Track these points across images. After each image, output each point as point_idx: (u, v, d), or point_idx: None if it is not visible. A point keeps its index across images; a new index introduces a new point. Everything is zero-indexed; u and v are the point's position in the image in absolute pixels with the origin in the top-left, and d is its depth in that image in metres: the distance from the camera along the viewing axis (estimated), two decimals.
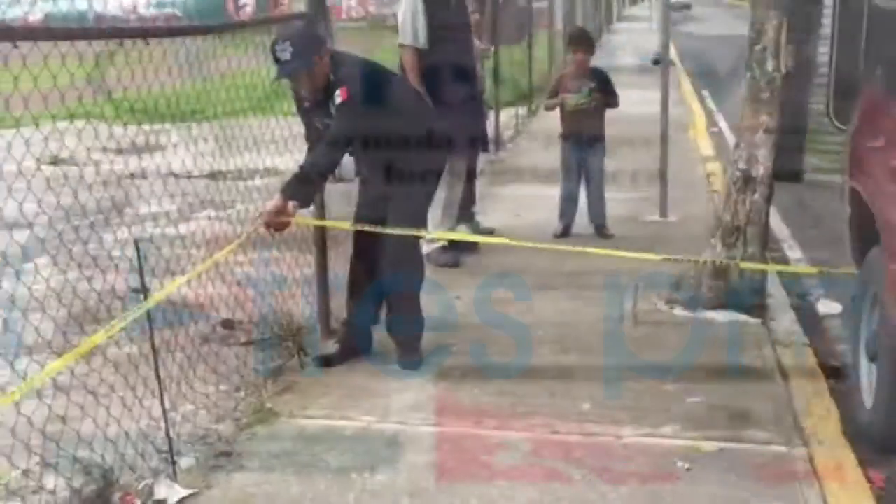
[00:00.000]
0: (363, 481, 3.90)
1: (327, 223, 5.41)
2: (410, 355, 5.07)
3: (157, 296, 3.86)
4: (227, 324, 5.56)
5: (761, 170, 5.65)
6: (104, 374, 3.94)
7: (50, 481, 3.17)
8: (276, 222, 4.60)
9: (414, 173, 4.94)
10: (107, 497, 3.37)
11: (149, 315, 3.81)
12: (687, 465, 3.97)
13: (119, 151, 8.28)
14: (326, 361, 5.10)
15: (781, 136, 5.69)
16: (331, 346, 5.22)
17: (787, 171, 5.81)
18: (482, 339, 5.46)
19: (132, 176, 6.00)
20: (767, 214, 5.78)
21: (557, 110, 7.84)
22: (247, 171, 8.61)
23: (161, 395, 3.89)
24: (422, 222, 5.09)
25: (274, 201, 4.60)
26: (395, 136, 4.89)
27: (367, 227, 4.91)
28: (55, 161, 7.86)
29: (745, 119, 5.73)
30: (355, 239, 5.13)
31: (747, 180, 5.68)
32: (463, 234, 7.02)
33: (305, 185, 4.68)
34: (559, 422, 4.40)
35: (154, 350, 3.85)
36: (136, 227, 6.48)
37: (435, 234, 6.36)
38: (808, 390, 4.70)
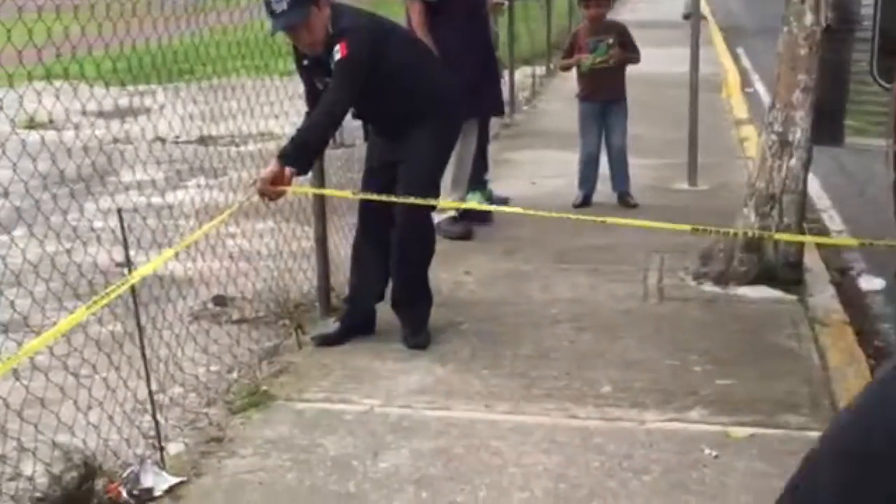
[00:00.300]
0: (365, 469, 3.92)
1: (327, 192, 5.42)
2: (417, 335, 5.09)
3: (142, 269, 3.88)
4: (219, 300, 5.58)
5: (798, 133, 5.64)
6: (86, 353, 3.96)
7: (28, 467, 3.21)
8: (272, 191, 4.62)
9: (425, 138, 4.92)
10: (89, 485, 3.40)
11: (133, 290, 3.83)
12: (715, 453, 3.98)
13: (101, 114, 8.31)
14: (326, 341, 5.12)
15: (820, 96, 5.66)
16: (331, 325, 5.24)
17: (826, 135, 5.78)
18: (493, 317, 5.48)
19: (115, 141, 6.01)
20: (805, 181, 5.77)
21: (574, 70, 7.84)
22: (240, 135, 8.63)
23: (147, 377, 3.92)
24: (434, 191, 5.09)
25: (269, 168, 4.61)
26: (402, 97, 4.89)
27: (373, 197, 4.90)
28: (31, 125, 7.89)
29: (781, 78, 5.70)
30: (362, 209, 5.14)
31: (783, 144, 5.67)
32: (474, 204, 7.02)
33: (303, 151, 4.69)
34: (577, 405, 4.42)
35: (140, 328, 3.87)
36: (119, 196, 6.50)
37: (445, 203, 6.37)
38: (847, 372, 4.71)
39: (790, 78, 5.63)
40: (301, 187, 5.06)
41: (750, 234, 5.40)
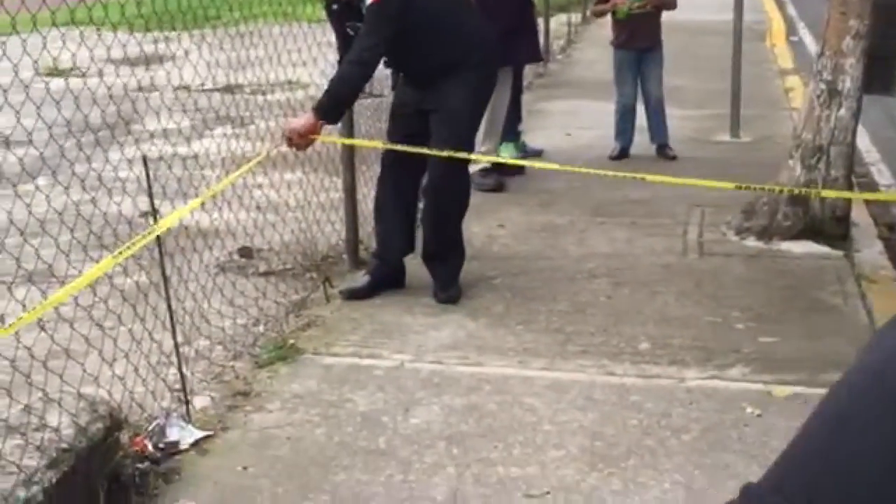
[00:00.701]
0: (395, 424, 3.93)
1: (358, 142, 5.40)
2: (448, 289, 5.08)
3: (169, 217, 3.89)
4: (245, 252, 5.59)
5: (848, 82, 5.55)
6: (111, 304, 3.98)
7: (53, 418, 3.23)
8: (302, 141, 4.61)
9: (461, 89, 4.87)
10: (115, 437, 3.43)
11: (159, 240, 3.84)
12: (757, 412, 3.96)
13: (125, 61, 8.30)
14: (354, 295, 5.12)
15: (873, 42, 5.57)
16: (359, 278, 5.24)
17: (877, 83, 5.70)
18: (527, 271, 5.47)
19: (140, 88, 6.00)
20: (854, 133, 5.69)
21: (609, 17, 7.76)
22: (266, 83, 8.60)
23: (173, 329, 3.94)
24: (469, 145, 5.04)
25: (304, 120, 4.59)
26: (436, 46, 4.84)
27: (409, 149, 4.86)
28: (55, 71, 7.89)
29: (831, 24, 5.61)
30: (386, 159, 5.11)
31: (832, 94, 5.59)
32: (507, 158, 6.98)
33: (337, 103, 4.69)
34: (614, 362, 4.41)
35: (165, 279, 3.88)
36: (144, 145, 6.51)
37: (477, 156, 6.33)
38: None
39: (841, 24, 5.54)
40: (331, 136, 5.05)
41: (797, 191, 5.33)
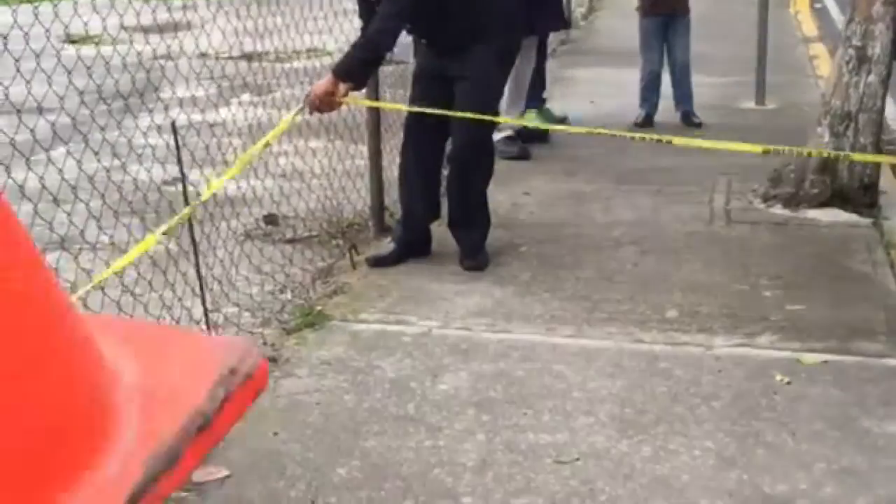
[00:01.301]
0: (424, 390, 3.95)
1: (383, 105, 5.40)
2: (474, 256, 5.09)
3: (213, 185, 3.90)
4: (271, 219, 5.61)
5: (878, 47, 5.52)
6: (141, 270, 4.01)
7: None
8: (325, 103, 4.62)
9: (485, 56, 4.86)
10: None
11: (188, 206, 3.86)
12: (787, 379, 3.96)
13: (141, 29, 8.29)
14: (380, 261, 5.14)
15: None
16: (385, 245, 5.25)
17: None
18: (554, 239, 5.47)
19: (158, 57, 6.00)
20: (884, 99, 5.67)
21: None
22: (286, 51, 8.59)
23: (202, 295, 3.96)
24: (493, 111, 5.04)
25: (324, 81, 4.60)
26: (461, 11, 4.83)
27: (435, 111, 4.85)
28: (72, 39, 7.90)
29: None
30: (410, 123, 5.11)
31: (861, 60, 5.56)
32: (532, 121, 6.97)
33: (359, 66, 4.68)
34: (641, 330, 4.42)
35: (195, 245, 3.90)
36: (162, 114, 6.52)
37: (503, 119, 6.31)
38: None
39: None
40: (356, 99, 5.04)
41: (826, 154, 5.31)
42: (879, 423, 3.65)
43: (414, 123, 5.06)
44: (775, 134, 7.10)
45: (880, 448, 3.50)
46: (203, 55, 8.31)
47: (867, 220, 5.51)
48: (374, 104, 5.33)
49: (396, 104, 5.40)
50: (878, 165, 5.74)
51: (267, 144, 4.41)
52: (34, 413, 1.55)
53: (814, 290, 4.75)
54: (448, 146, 5.14)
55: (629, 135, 5.61)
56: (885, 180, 6.06)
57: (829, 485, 3.30)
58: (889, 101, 6.06)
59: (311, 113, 4.77)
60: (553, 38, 8.92)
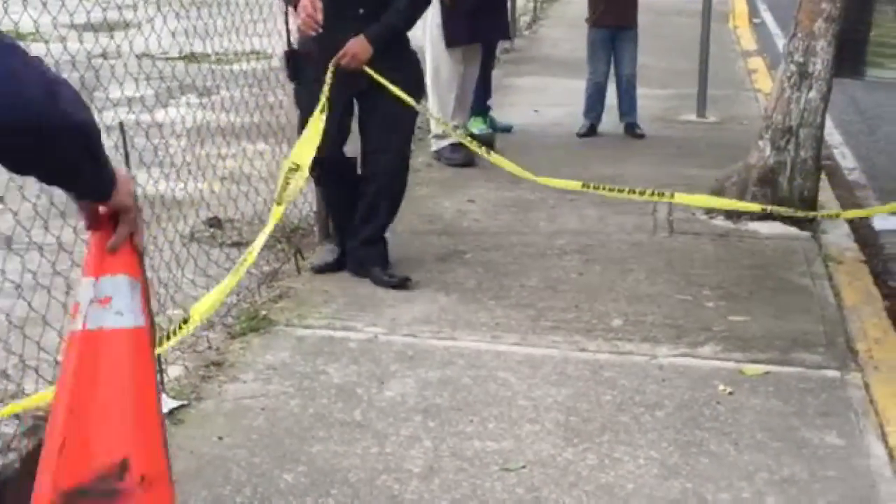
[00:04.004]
0: (370, 397, 3.94)
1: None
2: (391, 269, 5.01)
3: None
4: (214, 222, 5.56)
5: (819, 64, 5.61)
6: None
7: (30, 384, 3.21)
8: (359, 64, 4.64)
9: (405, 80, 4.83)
10: None
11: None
12: (729, 389, 4.01)
13: (87, 27, 8.19)
14: (323, 268, 5.10)
15: (843, 26, 5.62)
16: (331, 251, 5.22)
17: (847, 66, 5.76)
18: (498, 246, 5.49)
19: (103, 55, 5.93)
20: (824, 115, 5.76)
21: None
22: (229, 53, 8.53)
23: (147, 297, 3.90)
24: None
25: (363, 44, 4.66)
26: None
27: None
28: (16, 35, 7.77)
29: (803, 5, 5.66)
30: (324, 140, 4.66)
31: (803, 75, 5.64)
32: (477, 128, 7.01)
33: (391, 35, 4.76)
34: (586, 339, 4.44)
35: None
36: (108, 113, 6.43)
37: (446, 126, 6.30)
38: (863, 311, 4.74)
39: (813, 5, 5.58)
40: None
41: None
42: (819, 433, 3.71)
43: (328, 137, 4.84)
44: (717, 147, 7.23)
45: (820, 458, 3.55)
46: (143, 56, 8.21)
47: (806, 234, 5.60)
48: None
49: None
50: (817, 180, 5.83)
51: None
52: None
53: (755, 301, 4.81)
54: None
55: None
56: (823, 195, 6.16)
57: (771, 494, 3.34)
58: (827, 116, 6.15)
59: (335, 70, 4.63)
60: (498, 47, 8.95)
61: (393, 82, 4.71)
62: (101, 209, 2.09)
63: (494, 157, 5.08)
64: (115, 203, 2.04)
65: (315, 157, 4.49)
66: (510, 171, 5.11)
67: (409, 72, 4.88)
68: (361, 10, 4.69)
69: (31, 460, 3.06)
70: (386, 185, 4.94)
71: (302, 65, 4.77)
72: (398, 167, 4.97)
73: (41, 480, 2.08)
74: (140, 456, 2.07)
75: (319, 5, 4.52)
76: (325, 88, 4.57)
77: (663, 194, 4.98)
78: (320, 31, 4.54)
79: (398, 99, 4.73)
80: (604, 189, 4.96)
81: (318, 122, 4.51)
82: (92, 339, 2.07)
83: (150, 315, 2.22)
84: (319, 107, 4.54)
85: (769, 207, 5.18)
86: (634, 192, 5.01)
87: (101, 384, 2.06)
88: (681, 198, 5.15)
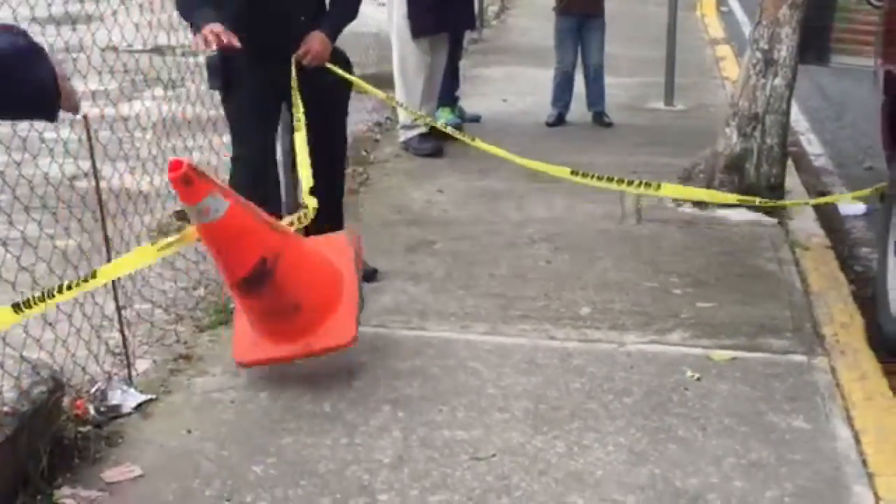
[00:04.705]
0: (340, 388, 3.94)
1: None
2: None
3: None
4: (181, 215, 5.53)
5: (784, 51, 5.65)
6: (53, 266, 3.93)
7: None
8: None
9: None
10: (57, 401, 3.40)
11: (101, 203, 3.80)
12: (697, 375, 4.04)
13: (51, 20, 8.12)
14: None
15: (807, 12, 5.66)
16: None
17: (811, 53, 5.80)
18: (468, 236, 5.50)
19: (66, 49, 5.89)
20: (789, 102, 5.80)
21: None
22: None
23: (115, 291, 3.90)
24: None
25: (324, 41, 4.51)
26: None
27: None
28: None
29: None
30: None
31: (768, 62, 5.68)
32: (445, 118, 7.00)
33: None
34: (555, 327, 4.47)
35: (107, 241, 3.84)
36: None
37: (417, 115, 6.31)
38: (829, 296, 4.79)
39: None
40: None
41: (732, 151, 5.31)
42: (786, 417, 3.75)
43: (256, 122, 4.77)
44: (685, 134, 7.27)
45: (787, 442, 3.59)
46: (114, 48, 8.16)
47: (773, 220, 5.64)
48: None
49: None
50: (783, 166, 5.87)
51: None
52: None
53: (723, 287, 4.85)
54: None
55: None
56: (790, 181, 6.21)
57: (739, 479, 3.38)
58: (792, 103, 6.19)
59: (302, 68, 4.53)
60: (465, 37, 8.95)
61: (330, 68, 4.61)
62: None
63: (479, 143, 5.03)
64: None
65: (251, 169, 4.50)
66: (498, 155, 5.05)
67: (336, 55, 4.76)
68: (303, 18, 4.58)
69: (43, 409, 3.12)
70: (331, 169, 4.80)
71: (235, 75, 4.48)
72: (343, 150, 4.92)
73: (224, 278, 3.80)
74: (269, 249, 3.63)
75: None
76: (295, 95, 4.46)
77: (650, 184, 4.96)
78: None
79: (332, 85, 4.61)
80: (591, 178, 4.86)
81: (302, 141, 4.41)
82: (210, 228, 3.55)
83: None
84: (296, 124, 4.44)
85: (759, 200, 5.17)
86: (623, 182, 4.89)
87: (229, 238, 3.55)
88: (669, 189, 5.15)
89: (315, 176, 4.47)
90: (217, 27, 4.11)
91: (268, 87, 4.52)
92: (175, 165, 3.30)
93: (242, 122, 4.57)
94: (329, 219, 4.67)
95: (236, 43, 4.12)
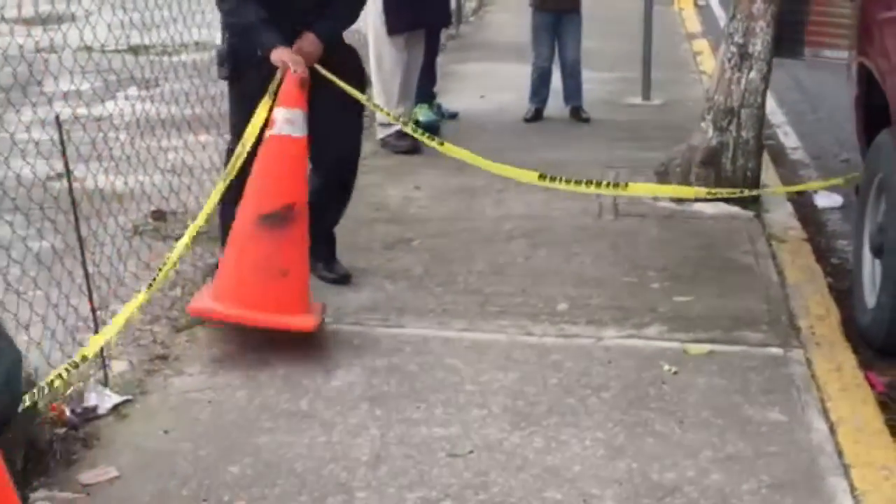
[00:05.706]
0: (317, 386, 3.95)
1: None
2: (339, 262, 4.99)
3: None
4: (158, 215, 5.54)
5: (759, 44, 5.67)
6: (26, 267, 3.92)
7: None
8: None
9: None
10: (32, 402, 3.39)
11: (75, 204, 3.79)
12: (674, 369, 4.07)
13: (24, 21, 8.11)
14: None
15: (782, 6, 5.69)
16: None
17: (786, 47, 5.83)
18: (445, 233, 5.52)
19: (42, 49, 5.87)
20: (764, 95, 5.82)
21: None
22: (174, 45, 8.48)
23: (90, 293, 3.90)
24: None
25: (316, 43, 4.45)
26: None
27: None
28: None
29: None
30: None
31: (743, 56, 5.70)
32: (422, 115, 7.02)
33: (339, 33, 4.71)
34: (533, 323, 4.48)
35: (81, 242, 3.84)
36: (44, 109, 6.38)
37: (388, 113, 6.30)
38: (805, 289, 4.82)
39: None
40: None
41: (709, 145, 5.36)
42: (762, 410, 3.77)
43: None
44: (662, 129, 7.30)
45: (763, 434, 3.61)
46: (87, 48, 8.13)
47: (749, 213, 5.67)
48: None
49: None
50: (759, 159, 5.90)
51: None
52: None
53: (699, 281, 4.87)
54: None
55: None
56: (766, 175, 6.25)
57: (716, 472, 3.40)
58: (769, 96, 6.23)
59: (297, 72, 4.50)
60: (442, 33, 8.96)
61: (336, 75, 4.61)
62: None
63: (447, 147, 5.01)
64: None
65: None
66: (465, 160, 5.04)
67: (350, 65, 4.76)
68: (313, 17, 4.57)
69: None
70: (337, 181, 4.80)
71: (243, 67, 4.53)
72: (352, 163, 4.84)
73: (245, 207, 4.18)
74: (299, 203, 4.15)
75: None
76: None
77: (618, 185, 4.98)
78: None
79: (344, 93, 4.57)
80: (560, 182, 4.87)
81: (264, 111, 4.38)
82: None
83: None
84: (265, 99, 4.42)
85: (726, 192, 5.22)
86: (591, 184, 4.89)
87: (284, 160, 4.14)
88: (638, 188, 5.18)
89: (317, 176, 4.55)
90: (288, 55, 4.32)
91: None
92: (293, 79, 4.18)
93: (242, 114, 4.58)
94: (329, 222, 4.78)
95: (305, 75, 4.31)
